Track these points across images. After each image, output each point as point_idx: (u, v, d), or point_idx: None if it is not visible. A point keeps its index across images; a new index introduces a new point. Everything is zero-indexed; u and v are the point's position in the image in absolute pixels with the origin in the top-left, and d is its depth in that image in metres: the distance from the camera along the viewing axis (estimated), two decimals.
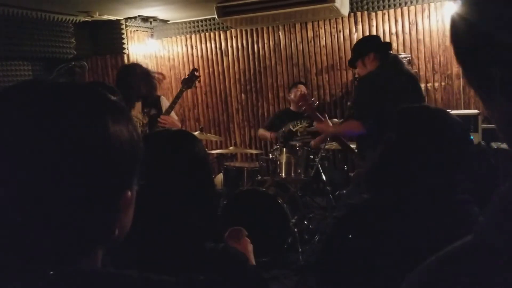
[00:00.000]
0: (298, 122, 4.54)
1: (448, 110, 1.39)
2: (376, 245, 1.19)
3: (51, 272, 0.57)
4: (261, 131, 4.92)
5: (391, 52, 3.18)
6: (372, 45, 3.09)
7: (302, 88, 4.76)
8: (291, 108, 4.80)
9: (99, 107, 0.61)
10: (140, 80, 3.25)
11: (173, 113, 3.41)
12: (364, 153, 2.95)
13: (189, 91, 5.86)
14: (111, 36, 5.19)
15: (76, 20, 4.80)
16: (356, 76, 4.82)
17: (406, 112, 1.35)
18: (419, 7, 4.72)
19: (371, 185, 1.32)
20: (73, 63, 3.00)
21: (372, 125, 2.69)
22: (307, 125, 4.43)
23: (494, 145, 3.46)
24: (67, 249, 0.59)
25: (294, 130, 4.53)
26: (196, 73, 3.63)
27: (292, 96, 4.74)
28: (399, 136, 1.31)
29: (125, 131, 0.62)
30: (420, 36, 4.75)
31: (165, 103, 3.49)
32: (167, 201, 1.10)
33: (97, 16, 4.78)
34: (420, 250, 1.15)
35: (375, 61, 3.01)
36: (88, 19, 4.84)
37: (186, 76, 3.66)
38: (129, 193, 0.65)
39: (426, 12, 4.71)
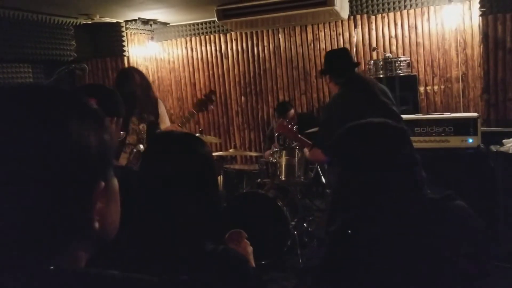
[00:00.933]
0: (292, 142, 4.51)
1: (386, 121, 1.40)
2: (373, 256, 1.21)
3: (21, 273, 0.57)
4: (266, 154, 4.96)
5: (354, 71, 3.00)
6: (327, 67, 2.99)
7: (291, 114, 4.73)
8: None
9: (60, 111, 0.62)
10: (138, 86, 3.18)
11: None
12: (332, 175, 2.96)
13: (188, 93, 5.90)
14: (111, 38, 5.21)
15: (76, 22, 4.81)
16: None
17: (341, 136, 1.39)
18: (418, 10, 4.74)
19: (345, 205, 1.36)
20: (74, 65, 2.99)
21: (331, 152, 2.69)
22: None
23: (493, 148, 3.46)
24: (39, 246, 0.59)
25: (293, 146, 4.51)
26: (213, 97, 3.36)
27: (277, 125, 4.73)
28: (343, 156, 1.36)
29: (92, 133, 0.63)
30: (420, 40, 4.77)
31: (163, 109, 3.42)
32: (171, 201, 1.11)
33: (97, 19, 4.79)
34: (415, 250, 1.18)
35: (332, 83, 2.97)
36: (89, 21, 4.86)
37: (201, 98, 3.40)
38: (102, 184, 0.64)
39: (426, 15, 4.72)
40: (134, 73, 3.28)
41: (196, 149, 1.18)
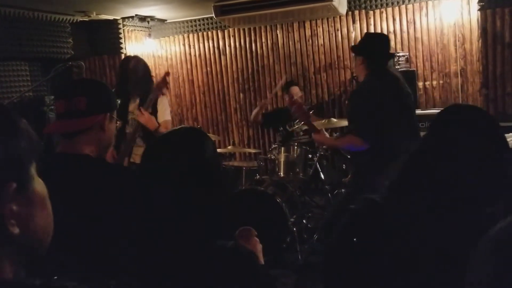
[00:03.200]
0: (293, 122, 4.50)
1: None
2: (392, 249, 1.15)
3: None
4: (253, 112, 4.87)
5: (387, 62, 2.94)
6: (367, 50, 2.84)
7: (295, 91, 4.66)
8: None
9: None
10: (140, 74, 3.18)
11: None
12: (360, 163, 2.92)
13: (186, 90, 5.88)
14: (108, 35, 5.18)
15: (73, 19, 4.79)
16: (354, 76, 4.82)
17: (439, 118, 1.25)
18: (416, 5, 4.72)
19: (395, 192, 1.22)
20: (70, 63, 2.97)
21: (374, 140, 2.63)
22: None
23: None
24: None
25: (290, 130, 4.51)
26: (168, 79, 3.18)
27: (287, 98, 4.72)
28: (432, 143, 1.21)
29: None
30: (418, 35, 4.75)
31: (163, 101, 3.40)
32: (179, 198, 1.10)
33: (94, 16, 4.77)
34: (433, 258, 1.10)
35: (362, 66, 2.82)
36: (85, 18, 4.83)
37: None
38: (13, 185, 0.63)
39: (424, 10, 4.70)
40: (131, 59, 3.28)
41: (201, 144, 1.17)
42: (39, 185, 0.69)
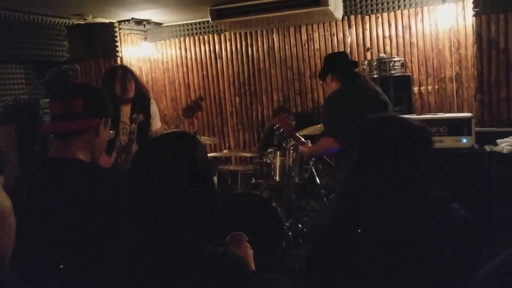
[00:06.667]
0: (289, 140, 4.51)
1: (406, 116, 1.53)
2: (364, 250, 1.20)
3: None
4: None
5: (354, 69, 3.17)
6: (329, 67, 3.12)
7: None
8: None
9: None
10: (118, 81, 3.15)
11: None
12: (339, 166, 3.06)
13: (182, 93, 5.87)
14: (104, 39, 5.17)
15: (69, 23, 4.77)
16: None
17: (363, 124, 1.46)
18: (412, 10, 4.75)
19: (348, 194, 1.39)
20: (66, 66, 2.96)
21: (344, 139, 2.77)
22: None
23: (487, 148, 3.47)
24: None
25: (288, 147, 4.51)
26: (200, 102, 3.40)
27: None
28: (363, 146, 1.41)
29: None
30: (414, 40, 4.77)
31: (154, 108, 3.39)
32: (169, 203, 1.09)
33: (90, 19, 4.75)
34: (406, 250, 1.18)
35: (333, 82, 3.08)
36: (81, 22, 4.82)
37: (188, 105, 3.43)
38: None
39: (419, 15, 4.73)
40: (118, 69, 3.26)
41: (192, 148, 1.17)
42: (2, 201, 0.64)
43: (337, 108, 2.94)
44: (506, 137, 3.54)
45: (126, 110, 3.24)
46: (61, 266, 1.28)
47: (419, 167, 1.31)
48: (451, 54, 4.66)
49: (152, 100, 3.43)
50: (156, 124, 3.41)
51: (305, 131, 4.24)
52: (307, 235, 3.68)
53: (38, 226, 1.33)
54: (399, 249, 1.20)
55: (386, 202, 1.26)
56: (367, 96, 2.95)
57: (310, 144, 3.28)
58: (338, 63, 3.14)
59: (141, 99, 3.28)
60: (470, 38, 4.50)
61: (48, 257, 1.31)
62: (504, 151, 3.36)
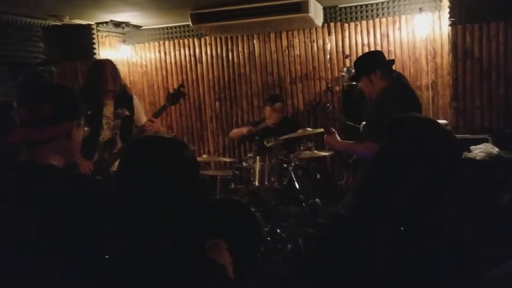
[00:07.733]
0: (272, 139, 4.51)
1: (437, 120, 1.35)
2: (366, 255, 1.18)
3: None
4: (234, 130, 4.96)
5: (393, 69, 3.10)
6: (378, 62, 2.99)
7: (277, 106, 4.76)
8: (267, 122, 4.79)
9: None
10: (110, 75, 3.20)
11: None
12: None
13: (161, 97, 5.81)
14: (81, 41, 5.07)
15: (45, 24, 4.67)
16: (329, 86, 4.89)
17: (395, 123, 1.34)
18: (390, 19, 4.83)
19: (363, 196, 1.29)
20: (41, 68, 2.91)
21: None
22: (279, 138, 4.37)
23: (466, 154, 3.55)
24: None
25: (268, 146, 4.51)
26: (182, 89, 3.39)
27: (267, 112, 4.75)
28: (390, 149, 1.28)
29: None
30: (391, 48, 4.85)
31: (137, 103, 3.44)
32: (155, 207, 1.07)
33: (67, 20, 4.66)
34: (406, 262, 1.14)
35: (381, 79, 2.94)
36: (58, 23, 4.72)
37: (172, 91, 3.43)
38: None
39: (397, 24, 4.81)
40: (107, 62, 3.34)
41: (181, 152, 1.15)
42: None
43: (397, 108, 2.68)
44: (480, 144, 3.63)
45: (109, 105, 3.27)
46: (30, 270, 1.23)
47: (453, 180, 1.21)
48: (427, 63, 4.76)
49: (134, 96, 3.51)
50: (142, 119, 3.41)
51: (286, 136, 4.25)
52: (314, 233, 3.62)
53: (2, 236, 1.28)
54: (402, 261, 1.16)
55: (400, 212, 1.19)
56: (414, 94, 2.94)
57: (337, 136, 3.08)
58: (384, 59, 3.02)
59: (124, 94, 3.34)
60: (446, 47, 4.60)
61: (17, 268, 1.26)
62: (478, 158, 3.44)
